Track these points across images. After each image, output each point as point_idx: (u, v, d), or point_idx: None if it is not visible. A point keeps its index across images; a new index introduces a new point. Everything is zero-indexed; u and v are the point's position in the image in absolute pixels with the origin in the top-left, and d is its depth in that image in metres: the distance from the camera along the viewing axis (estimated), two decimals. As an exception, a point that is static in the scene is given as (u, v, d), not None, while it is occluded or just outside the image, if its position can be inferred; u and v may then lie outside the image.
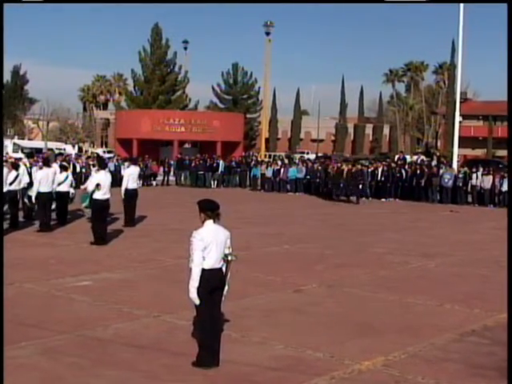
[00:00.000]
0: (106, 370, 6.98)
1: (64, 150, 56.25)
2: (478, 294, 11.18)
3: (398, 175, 30.88)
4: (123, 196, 17.98)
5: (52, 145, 61.94)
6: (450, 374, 7.11)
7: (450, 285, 11.83)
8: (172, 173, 38.20)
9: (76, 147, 68.53)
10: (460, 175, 29.52)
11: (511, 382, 6.26)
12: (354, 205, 27.84)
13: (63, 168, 18.54)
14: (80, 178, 27.96)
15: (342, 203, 28.29)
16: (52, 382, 6.64)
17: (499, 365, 7.42)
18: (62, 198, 18.04)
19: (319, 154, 69.01)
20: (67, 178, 18.21)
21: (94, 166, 28.10)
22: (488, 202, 28.34)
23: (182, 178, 37.07)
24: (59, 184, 17.63)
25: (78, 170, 31.15)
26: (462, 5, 38.76)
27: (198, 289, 6.94)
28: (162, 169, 37.94)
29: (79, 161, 33.85)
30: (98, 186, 15.18)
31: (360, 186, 28.80)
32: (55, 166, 18.32)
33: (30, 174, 18.91)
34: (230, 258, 7.25)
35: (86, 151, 63.96)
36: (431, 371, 7.17)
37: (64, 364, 7.14)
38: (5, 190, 16.15)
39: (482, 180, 28.66)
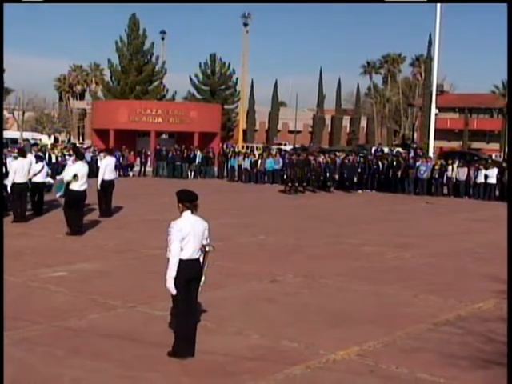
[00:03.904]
0: (80, 360, 6.97)
1: (40, 140, 55.75)
2: (452, 284, 11.29)
3: (375, 167, 31.03)
4: (99, 187, 17.90)
5: (28, 135, 61.36)
6: (424, 363, 7.18)
7: (424, 275, 11.93)
8: (149, 163, 38.04)
9: (52, 137, 67.95)
10: (436, 167, 29.70)
11: (511, 375, 6.30)
12: (330, 196, 27.94)
13: (38, 158, 18.40)
14: (55, 168, 27.74)
15: (306, 193, 28.37)
16: (25, 372, 6.62)
17: (471, 354, 7.53)
18: (38, 188, 17.92)
19: (296, 146, 69.13)
20: (43, 168, 18.08)
21: (70, 155, 27.98)
22: (463, 194, 28.58)
23: (160, 168, 36.93)
24: (35, 174, 17.50)
25: (53, 160, 30.97)
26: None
27: (175, 279, 6.95)
28: (138, 159, 37.74)
29: (55, 151, 33.63)
30: (75, 176, 15.07)
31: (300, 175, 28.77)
32: (30, 157, 18.16)
33: (4, 165, 18.72)
34: (207, 248, 7.27)
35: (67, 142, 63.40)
36: (405, 360, 7.24)
37: (38, 354, 7.12)
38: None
39: (458, 172, 28.89)
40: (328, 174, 29.85)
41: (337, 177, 29.99)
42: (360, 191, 29.78)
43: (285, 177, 29.79)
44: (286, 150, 46.56)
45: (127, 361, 6.99)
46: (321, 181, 29.89)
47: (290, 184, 28.40)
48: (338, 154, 34.73)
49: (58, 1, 70.10)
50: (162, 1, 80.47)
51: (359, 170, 30.34)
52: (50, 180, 18.67)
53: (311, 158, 31.53)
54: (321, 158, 31.43)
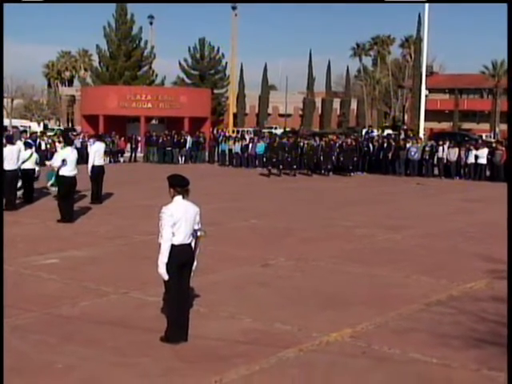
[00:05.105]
0: (73, 347, 6.96)
1: (29, 127, 55.49)
2: (443, 264, 11.32)
3: (366, 149, 31.03)
4: (90, 173, 17.84)
5: (17, 122, 61.08)
6: (416, 344, 7.20)
7: (416, 256, 11.97)
8: (140, 149, 37.94)
9: (41, 124, 67.66)
10: (427, 148, 29.74)
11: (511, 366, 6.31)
12: (321, 179, 27.95)
13: (28, 145, 18.30)
14: (45, 156, 27.64)
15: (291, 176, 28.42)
16: (18, 359, 6.60)
17: (464, 334, 7.55)
18: (28, 175, 17.83)
19: (287, 129, 69.07)
20: (32, 155, 17.99)
21: (59, 142, 27.88)
22: (454, 175, 28.63)
23: (151, 154, 36.83)
24: (24, 162, 17.41)
25: (43, 147, 30.84)
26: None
27: (167, 264, 6.94)
28: (129, 145, 37.63)
29: (44, 138, 33.50)
30: (63, 161, 15.01)
31: (289, 159, 28.85)
32: (19, 144, 18.06)
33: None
34: (199, 233, 7.24)
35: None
36: (397, 341, 7.26)
37: (30, 342, 7.10)
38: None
39: (448, 153, 28.92)
40: (322, 158, 29.75)
41: (333, 159, 29.83)
42: (352, 173, 29.76)
43: (264, 159, 30.26)
44: (276, 134, 46.46)
45: (120, 347, 6.98)
46: (314, 164, 29.83)
47: (269, 167, 28.59)
48: (330, 136, 34.67)
49: (57, 1, 69.67)
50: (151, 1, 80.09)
51: (351, 153, 30.23)
52: (38, 168, 18.57)
53: (305, 141, 31.49)
54: (313, 141, 31.35)
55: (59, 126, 78.38)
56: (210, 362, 6.64)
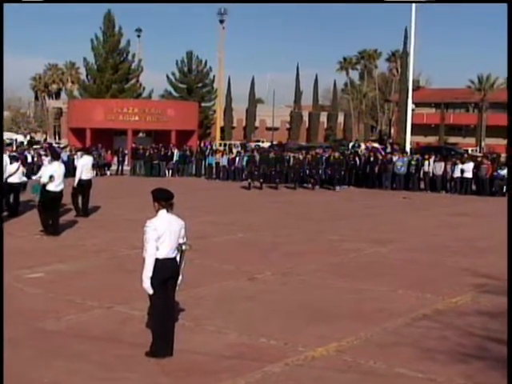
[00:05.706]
0: (58, 361, 6.91)
1: (15, 140, 55.30)
2: (429, 279, 11.34)
3: (352, 162, 31.11)
4: (75, 185, 17.76)
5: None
6: (402, 358, 7.20)
7: (402, 270, 11.98)
8: (126, 162, 37.87)
9: (28, 137, 67.45)
10: (413, 162, 29.86)
11: (511, 377, 6.31)
12: (308, 193, 27.99)
13: (14, 159, 18.22)
14: (32, 169, 27.54)
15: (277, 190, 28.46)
16: (3, 375, 6.53)
17: (450, 348, 7.56)
18: (13, 189, 17.73)
19: (274, 142, 69.20)
20: (18, 168, 17.90)
21: (46, 155, 27.77)
22: (440, 188, 28.75)
23: (137, 167, 36.76)
24: (10, 175, 17.33)
25: (29, 160, 30.72)
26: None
27: (152, 278, 6.91)
28: (115, 158, 37.55)
29: (30, 150, 33.42)
30: (51, 177, 14.96)
31: (273, 172, 29.18)
32: (5, 157, 17.96)
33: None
34: (184, 247, 7.23)
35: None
36: (383, 355, 7.25)
37: (15, 356, 7.01)
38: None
39: (434, 166, 29.06)
40: (308, 171, 29.80)
41: (320, 173, 29.88)
42: (338, 187, 29.84)
43: (245, 173, 30.68)
44: (262, 147, 46.53)
45: (106, 362, 6.94)
46: (299, 177, 29.88)
47: (248, 180, 28.90)
48: (317, 150, 34.76)
49: (57, 1, 69.79)
50: (137, 1, 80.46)
51: (339, 167, 30.28)
52: (24, 179, 18.48)
53: (291, 154, 31.57)
54: (300, 155, 31.41)
55: (46, 139, 78.13)
56: (195, 377, 6.61)
